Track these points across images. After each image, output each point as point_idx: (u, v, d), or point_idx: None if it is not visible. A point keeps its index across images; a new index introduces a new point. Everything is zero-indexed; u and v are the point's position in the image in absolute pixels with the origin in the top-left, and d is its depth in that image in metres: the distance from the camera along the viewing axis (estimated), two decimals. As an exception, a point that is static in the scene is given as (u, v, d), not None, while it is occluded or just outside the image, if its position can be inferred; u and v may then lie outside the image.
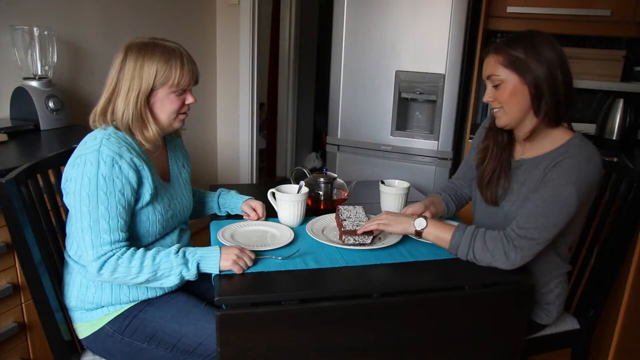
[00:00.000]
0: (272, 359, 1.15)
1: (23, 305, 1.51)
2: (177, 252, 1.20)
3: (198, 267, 1.20)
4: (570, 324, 1.56)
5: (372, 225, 1.32)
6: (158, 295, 1.30)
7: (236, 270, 1.18)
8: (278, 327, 1.13)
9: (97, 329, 1.27)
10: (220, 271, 1.18)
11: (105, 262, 1.16)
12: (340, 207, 1.47)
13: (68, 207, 1.23)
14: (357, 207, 1.48)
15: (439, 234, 1.28)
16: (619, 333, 1.80)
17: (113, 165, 1.16)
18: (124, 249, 1.18)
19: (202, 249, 1.22)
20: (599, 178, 1.26)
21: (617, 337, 1.80)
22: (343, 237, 1.33)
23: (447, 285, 1.23)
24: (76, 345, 1.33)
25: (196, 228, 1.31)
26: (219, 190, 1.58)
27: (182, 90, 1.27)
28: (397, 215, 1.35)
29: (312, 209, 1.60)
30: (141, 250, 1.20)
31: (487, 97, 1.30)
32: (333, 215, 1.49)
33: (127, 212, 1.20)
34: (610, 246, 1.52)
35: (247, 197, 1.54)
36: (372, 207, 1.58)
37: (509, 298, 1.26)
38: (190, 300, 1.31)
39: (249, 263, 1.20)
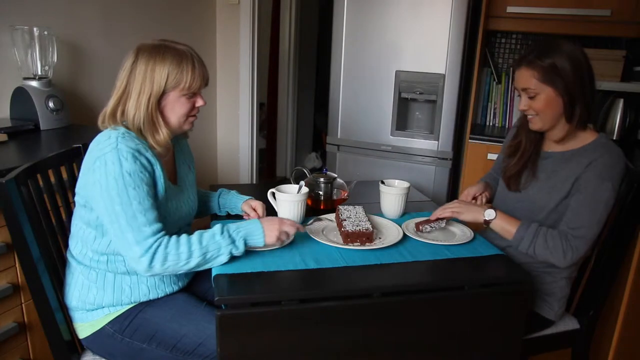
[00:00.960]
0: (272, 359, 1.15)
1: (23, 305, 1.51)
2: (222, 232, 1.20)
3: (245, 243, 1.21)
4: (570, 324, 1.56)
5: (445, 213, 1.41)
6: (159, 296, 1.30)
7: (278, 245, 1.26)
8: (278, 327, 1.13)
9: (97, 329, 1.27)
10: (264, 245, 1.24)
11: (154, 254, 1.14)
12: (340, 207, 1.47)
13: (78, 203, 1.23)
14: (357, 207, 1.48)
15: (505, 226, 1.37)
16: (619, 333, 1.80)
17: (135, 161, 1.16)
18: (166, 237, 1.17)
19: (243, 226, 1.23)
20: (624, 173, 1.38)
21: (617, 337, 1.81)
22: (420, 227, 1.41)
23: (447, 285, 1.23)
24: (76, 345, 1.33)
25: (195, 228, 1.31)
26: (219, 190, 1.58)
27: (192, 93, 1.27)
28: (468, 204, 1.44)
29: (312, 209, 1.60)
30: (184, 235, 1.19)
31: (522, 107, 1.41)
32: (333, 215, 1.49)
33: (156, 203, 1.20)
34: (610, 246, 1.52)
35: (247, 197, 1.54)
36: (372, 207, 1.58)
37: (508, 298, 1.26)
38: (190, 301, 1.31)
39: (291, 233, 1.27)
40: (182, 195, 1.36)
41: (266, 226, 1.23)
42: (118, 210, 1.14)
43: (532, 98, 1.37)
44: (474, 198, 1.61)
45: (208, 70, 1.31)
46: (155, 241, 1.15)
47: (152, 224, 1.16)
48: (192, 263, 1.17)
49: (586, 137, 1.41)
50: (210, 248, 1.18)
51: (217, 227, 1.21)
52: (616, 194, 1.33)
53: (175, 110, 1.26)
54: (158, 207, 1.22)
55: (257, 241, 1.22)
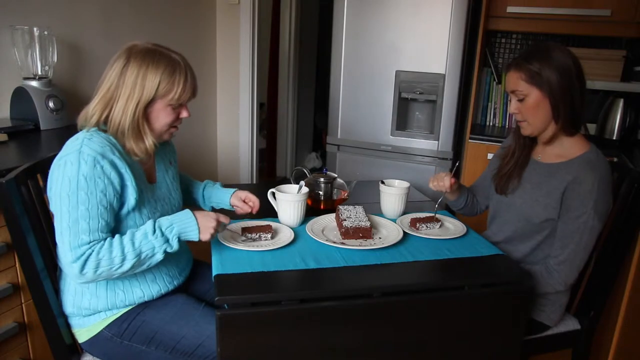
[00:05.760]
0: (272, 359, 1.15)
1: (23, 305, 1.51)
2: (154, 231, 1.16)
3: (179, 240, 1.19)
4: (571, 324, 1.56)
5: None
6: (154, 297, 1.29)
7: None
8: (278, 327, 1.13)
9: (95, 334, 1.26)
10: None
11: (85, 261, 1.11)
12: (340, 207, 1.47)
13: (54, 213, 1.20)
14: (357, 207, 1.48)
15: None
16: (619, 333, 1.80)
17: (95, 165, 1.13)
18: (101, 242, 1.13)
19: (177, 221, 1.19)
20: (611, 192, 1.37)
21: (617, 338, 1.80)
22: (417, 225, 1.45)
23: (447, 285, 1.23)
24: (77, 347, 1.33)
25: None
26: (205, 181, 1.56)
27: (179, 104, 1.25)
28: None
29: (312, 209, 1.60)
30: (117, 236, 1.15)
31: (512, 109, 1.42)
32: (333, 215, 1.49)
33: (109, 213, 1.16)
34: (610, 246, 1.52)
35: (233, 189, 1.50)
36: (372, 207, 1.58)
37: (509, 298, 1.26)
38: (189, 302, 1.31)
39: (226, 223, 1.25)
40: (161, 194, 1.33)
41: (202, 222, 1.19)
42: (64, 211, 1.12)
43: (521, 100, 1.38)
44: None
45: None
46: (89, 248, 1.11)
47: (92, 233, 1.12)
48: (127, 266, 1.13)
49: (575, 149, 1.39)
50: (144, 249, 1.15)
51: (149, 225, 1.17)
52: (600, 214, 1.33)
53: (160, 119, 1.24)
54: (119, 217, 1.20)
55: (191, 237, 1.19)
